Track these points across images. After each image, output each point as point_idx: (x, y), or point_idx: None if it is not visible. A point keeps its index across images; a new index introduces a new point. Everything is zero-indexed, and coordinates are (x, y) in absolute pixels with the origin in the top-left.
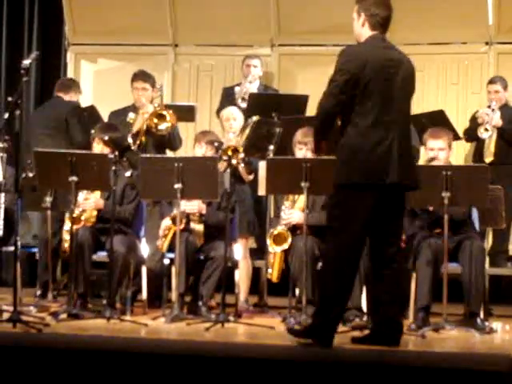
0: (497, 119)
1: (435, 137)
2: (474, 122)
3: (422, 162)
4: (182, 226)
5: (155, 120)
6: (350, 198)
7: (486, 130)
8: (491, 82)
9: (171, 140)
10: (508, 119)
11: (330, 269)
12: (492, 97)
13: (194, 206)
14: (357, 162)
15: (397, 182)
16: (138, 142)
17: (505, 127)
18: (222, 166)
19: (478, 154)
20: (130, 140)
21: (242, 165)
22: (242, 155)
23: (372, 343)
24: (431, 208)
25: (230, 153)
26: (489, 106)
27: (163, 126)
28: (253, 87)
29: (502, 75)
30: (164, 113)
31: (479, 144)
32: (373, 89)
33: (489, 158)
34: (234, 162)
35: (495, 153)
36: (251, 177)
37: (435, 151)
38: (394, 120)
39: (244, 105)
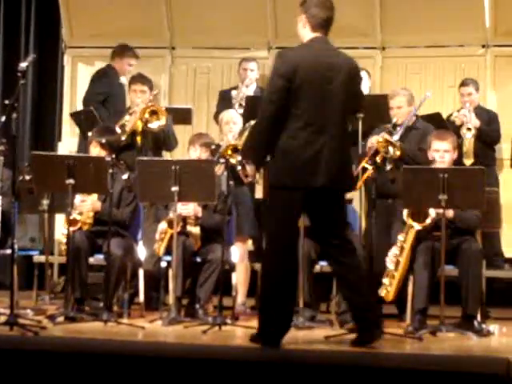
0: (474, 120)
1: (441, 138)
2: (451, 125)
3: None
4: (179, 229)
5: (147, 115)
6: (282, 198)
7: (469, 129)
8: (463, 84)
9: (166, 140)
10: (483, 120)
11: (266, 269)
12: (465, 99)
13: (190, 209)
14: (286, 164)
15: (325, 185)
16: (128, 131)
17: (483, 128)
18: (218, 169)
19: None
20: (117, 130)
21: (240, 167)
22: (239, 157)
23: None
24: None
25: (229, 152)
26: (459, 110)
27: (155, 125)
28: (249, 90)
29: (498, 78)
30: (155, 109)
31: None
32: (305, 92)
33: (469, 160)
34: (233, 161)
35: (475, 154)
36: (250, 178)
37: (440, 153)
38: (326, 123)
39: (241, 110)
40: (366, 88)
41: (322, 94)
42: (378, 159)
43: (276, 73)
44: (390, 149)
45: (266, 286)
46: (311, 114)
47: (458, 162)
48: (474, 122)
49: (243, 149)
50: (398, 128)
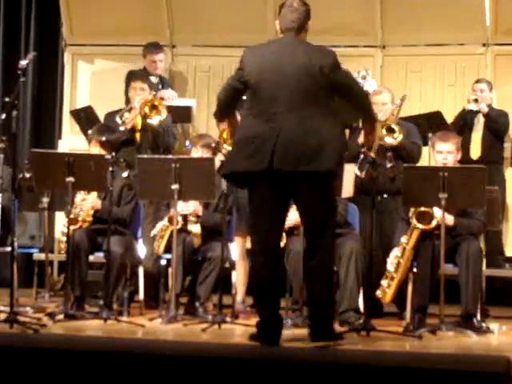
0: (484, 106)
1: (444, 140)
2: (457, 124)
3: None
4: (179, 226)
5: (146, 109)
6: (250, 188)
7: (476, 100)
8: (477, 81)
9: (165, 137)
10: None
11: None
12: (478, 94)
13: (190, 207)
14: (235, 153)
15: (272, 168)
16: (128, 128)
17: (490, 113)
18: (217, 165)
19: (464, 150)
20: (118, 121)
21: None
22: None
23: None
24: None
25: (224, 136)
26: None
27: (156, 120)
28: None
29: (499, 77)
30: (155, 103)
31: (465, 140)
32: (260, 85)
33: (475, 154)
34: (229, 147)
35: (482, 148)
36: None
37: (443, 154)
38: (279, 112)
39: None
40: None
41: (278, 87)
42: (373, 151)
43: (237, 68)
44: (387, 138)
45: (254, 283)
46: (263, 104)
47: (465, 155)
48: (482, 106)
49: None
50: None
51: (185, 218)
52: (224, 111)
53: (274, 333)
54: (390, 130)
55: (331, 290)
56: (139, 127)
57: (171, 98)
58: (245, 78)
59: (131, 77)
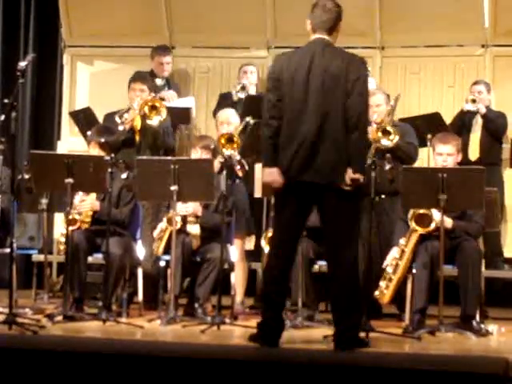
0: (481, 106)
1: (444, 142)
2: (456, 125)
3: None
4: (178, 227)
5: (146, 109)
6: (277, 197)
7: (474, 101)
8: (475, 83)
9: (165, 137)
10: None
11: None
12: (475, 95)
13: (189, 207)
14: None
15: (297, 179)
16: (127, 128)
17: (489, 114)
18: (216, 166)
19: (463, 151)
20: (117, 120)
21: (239, 167)
22: (238, 157)
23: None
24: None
25: (223, 141)
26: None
27: (155, 120)
28: (251, 89)
29: (497, 78)
30: (155, 103)
31: (463, 141)
32: (289, 92)
33: (474, 156)
34: (227, 152)
35: (480, 150)
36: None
37: (443, 156)
38: (304, 121)
39: (242, 95)
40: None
41: (304, 95)
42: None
43: (269, 76)
44: (383, 141)
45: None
46: (290, 111)
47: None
48: (480, 106)
49: (242, 149)
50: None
51: (184, 218)
52: (273, 121)
53: (274, 335)
54: (386, 132)
55: (356, 297)
56: (139, 128)
57: (171, 98)
58: (278, 86)
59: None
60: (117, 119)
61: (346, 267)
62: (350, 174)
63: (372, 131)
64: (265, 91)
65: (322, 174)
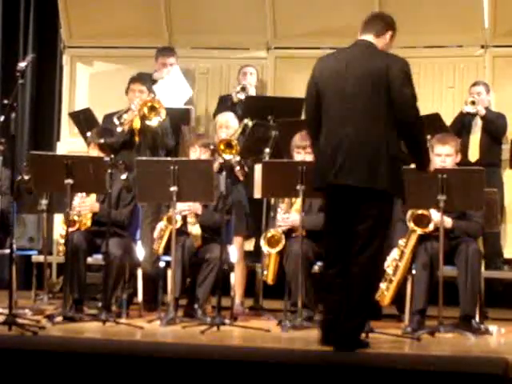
0: (481, 108)
1: (443, 142)
2: (459, 119)
3: None
4: (178, 226)
5: (145, 110)
6: (324, 201)
7: (473, 102)
8: (474, 84)
9: (164, 137)
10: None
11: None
12: (475, 97)
13: (190, 206)
14: (316, 167)
15: (332, 182)
16: (127, 129)
17: (489, 116)
18: (216, 167)
19: (462, 152)
20: (116, 121)
21: (238, 168)
22: (238, 158)
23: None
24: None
25: (222, 147)
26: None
27: (155, 121)
28: (251, 90)
29: (497, 79)
30: (154, 104)
31: (463, 142)
32: (327, 95)
33: (474, 157)
34: (227, 157)
35: (480, 151)
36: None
37: (442, 157)
38: (345, 121)
39: (242, 96)
40: None
41: (343, 97)
42: None
43: (309, 78)
44: None
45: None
46: (329, 113)
47: (464, 158)
48: (479, 108)
49: (242, 149)
50: None
51: (184, 217)
52: (310, 125)
53: (338, 336)
54: None
55: (368, 300)
56: (138, 129)
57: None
58: (316, 87)
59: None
60: (115, 120)
61: (366, 268)
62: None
63: None
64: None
65: (360, 177)
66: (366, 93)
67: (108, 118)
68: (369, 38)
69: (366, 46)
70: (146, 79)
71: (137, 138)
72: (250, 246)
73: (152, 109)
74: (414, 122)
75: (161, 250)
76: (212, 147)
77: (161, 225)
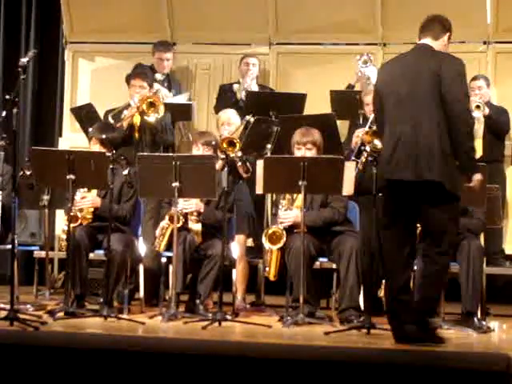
0: (486, 110)
1: None
2: None
3: None
4: (180, 224)
5: (144, 106)
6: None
7: (478, 107)
8: (474, 78)
9: (164, 133)
10: (493, 113)
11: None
12: (476, 92)
13: (192, 205)
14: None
15: (391, 178)
16: (126, 125)
17: (492, 115)
18: (219, 166)
19: None
20: (111, 120)
21: (240, 163)
22: (239, 153)
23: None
24: None
25: (225, 145)
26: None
27: (153, 117)
28: (253, 84)
29: (499, 74)
30: (153, 100)
31: None
32: (386, 98)
33: (478, 154)
34: (230, 155)
35: (483, 147)
36: (248, 174)
37: None
38: (401, 120)
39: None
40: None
41: (399, 99)
42: (366, 154)
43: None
44: (376, 141)
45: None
46: (390, 113)
47: None
48: (486, 110)
49: (244, 145)
50: (370, 123)
51: (186, 216)
52: (378, 128)
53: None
54: (377, 135)
55: (436, 296)
56: (138, 125)
57: (164, 97)
58: (378, 93)
59: (137, 69)
60: (110, 119)
61: (440, 263)
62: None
63: (363, 135)
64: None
65: (418, 171)
66: (421, 92)
67: (109, 113)
68: (427, 41)
69: (423, 49)
70: (146, 74)
71: (136, 134)
72: (250, 242)
73: (151, 105)
74: (459, 116)
75: (162, 248)
76: (213, 143)
77: (162, 223)
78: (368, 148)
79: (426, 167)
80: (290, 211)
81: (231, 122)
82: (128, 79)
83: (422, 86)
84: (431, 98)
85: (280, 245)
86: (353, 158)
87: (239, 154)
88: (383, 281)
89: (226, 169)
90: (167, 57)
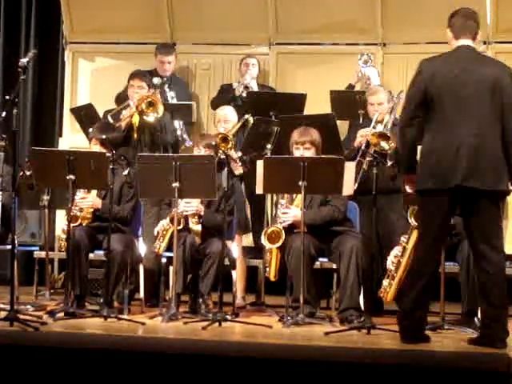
0: None
1: None
2: None
3: None
4: (181, 226)
5: (143, 106)
6: (426, 203)
7: None
8: None
9: (163, 134)
10: None
11: (413, 269)
12: None
13: (193, 207)
14: (428, 166)
15: (462, 184)
16: (124, 125)
17: None
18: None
19: None
20: (110, 119)
21: (239, 164)
22: (239, 153)
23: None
24: None
25: (218, 141)
26: None
27: (152, 117)
28: (253, 83)
29: None
30: (152, 100)
31: None
32: (441, 97)
33: None
34: (225, 151)
35: None
36: (241, 170)
37: None
38: (460, 126)
39: (244, 93)
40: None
41: (460, 100)
42: (371, 151)
43: (413, 81)
44: (383, 143)
45: (410, 287)
46: (447, 117)
47: None
48: None
49: (244, 145)
50: (374, 123)
51: (186, 217)
52: (408, 123)
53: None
54: (385, 137)
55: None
56: (137, 125)
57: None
58: (425, 89)
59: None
60: (109, 118)
61: (499, 267)
62: None
63: (371, 136)
64: (408, 92)
65: (484, 179)
66: (483, 98)
67: (108, 114)
68: (468, 42)
69: (472, 52)
70: (145, 75)
71: (135, 134)
72: (249, 241)
73: (150, 104)
74: None
75: (161, 250)
76: (213, 143)
77: (163, 224)
78: (373, 150)
79: (496, 177)
80: (289, 210)
81: (228, 120)
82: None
83: (485, 92)
84: (493, 105)
85: (279, 243)
86: (358, 158)
87: (239, 154)
88: (383, 281)
89: (225, 169)
90: (168, 60)
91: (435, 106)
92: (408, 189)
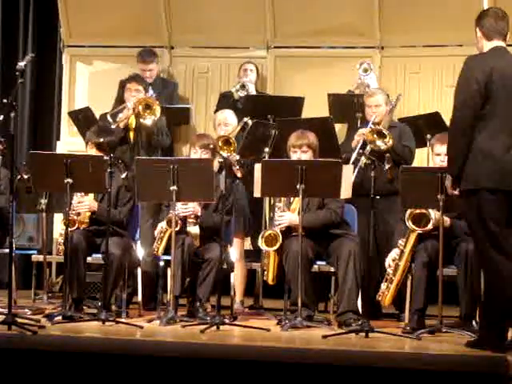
0: None
1: (442, 142)
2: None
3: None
4: (178, 228)
5: (140, 108)
6: (485, 202)
7: None
8: None
9: (159, 136)
10: None
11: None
12: None
13: (189, 208)
14: (487, 166)
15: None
16: (122, 127)
17: None
18: (215, 166)
19: None
20: (109, 119)
21: (237, 166)
22: (237, 157)
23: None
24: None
25: (220, 144)
26: None
27: (149, 120)
28: (251, 88)
29: None
30: (149, 102)
31: None
32: (500, 95)
33: None
34: (225, 154)
35: None
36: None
37: (441, 156)
38: None
39: (242, 93)
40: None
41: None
42: (367, 153)
43: (469, 78)
44: (379, 142)
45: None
46: (507, 116)
47: None
48: None
49: (242, 148)
50: (371, 125)
51: (184, 219)
52: (468, 123)
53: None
54: (381, 135)
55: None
56: (133, 126)
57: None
58: (482, 86)
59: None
60: (109, 118)
61: None
62: None
63: (367, 133)
64: (462, 89)
65: None
66: None
67: (104, 117)
68: (501, 44)
69: (509, 53)
70: (142, 78)
71: (131, 135)
72: (248, 245)
73: (147, 107)
74: None
75: (160, 252)
76: (212, 146)
77: (162, 226)
78: (369, 148)
79: None
80: (285, 213)
81: (228, 123)
82: (123, 84)
83: None
84: None
85: (276, 246)
86: (355, 156)
87: (237, 157)
88: (381, 285)
89: (223, 172)
90: (149, 68)
91: (491, 104)
92: (455, 191)
